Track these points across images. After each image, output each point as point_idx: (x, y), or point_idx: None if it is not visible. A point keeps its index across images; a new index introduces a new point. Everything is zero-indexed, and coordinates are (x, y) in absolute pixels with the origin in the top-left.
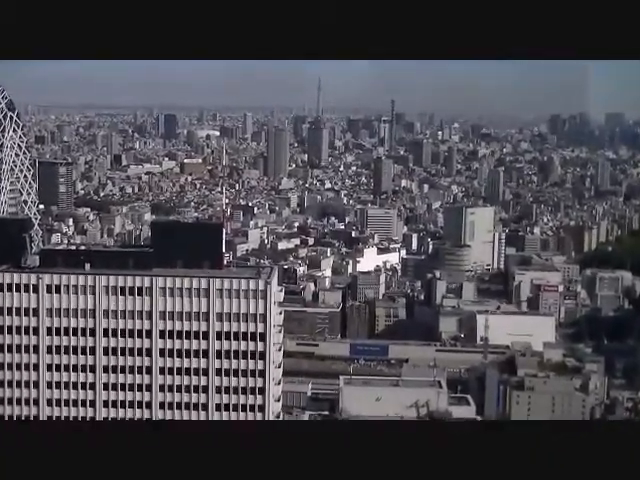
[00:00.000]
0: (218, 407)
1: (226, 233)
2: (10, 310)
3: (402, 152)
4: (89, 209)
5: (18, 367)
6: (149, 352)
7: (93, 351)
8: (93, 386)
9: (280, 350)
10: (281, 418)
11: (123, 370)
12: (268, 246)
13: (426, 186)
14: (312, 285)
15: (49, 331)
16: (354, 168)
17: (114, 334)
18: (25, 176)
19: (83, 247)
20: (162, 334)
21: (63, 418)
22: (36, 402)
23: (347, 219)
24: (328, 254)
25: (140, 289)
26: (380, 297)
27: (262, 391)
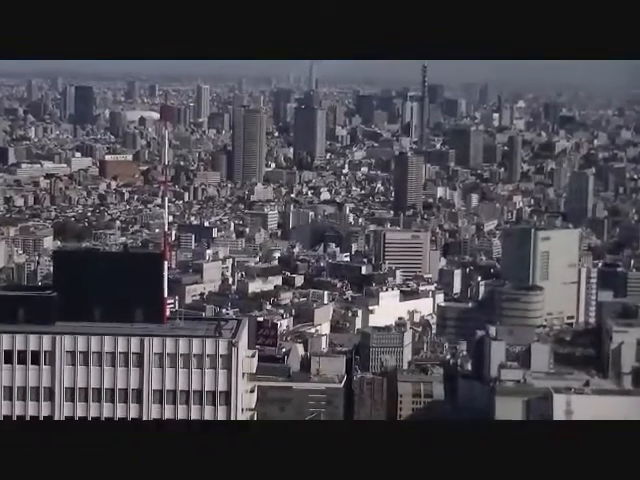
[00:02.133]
0: None
1: (169, 268)
2: None
3: (438, 145)
4: None
5: None
6: None
7: None
8: None
9: None
10: None
11: None
12: (234, 287)
13: (475, 197)
14: (301, 348)
15: None
16: (365, 169)
17: None
18: None
19: None
20: None
21: None
22: None
23: (354, 247)
24: (325, 300)
25: (36, 354)
26: (405, 366)
27: None
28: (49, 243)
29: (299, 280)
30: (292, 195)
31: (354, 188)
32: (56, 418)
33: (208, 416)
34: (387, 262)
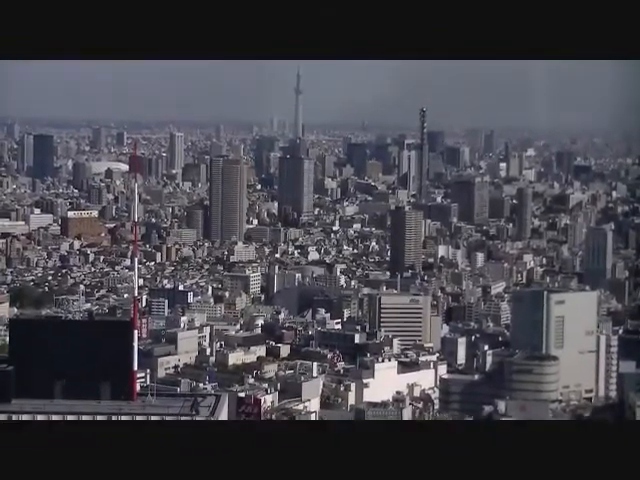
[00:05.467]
0: None
1: (140, 338)
2: None
3: (439, 198)
4: None
5: None
6: None
7: None
8: None
9: None
10: None
11: None
12: (212, 359)
13: (480, 256)
14: None
15: None
16: (358, 226)
17: None
18: None
19: None
20: None
21: None
22: None
23: (346, 313)
24: (314, 373)
25: None
26: None
27: None
28: (5, 310)
29: (285, 350)
30: (277, 255)
31: (345, 247)
32: None
33: None
34: (383, 330)
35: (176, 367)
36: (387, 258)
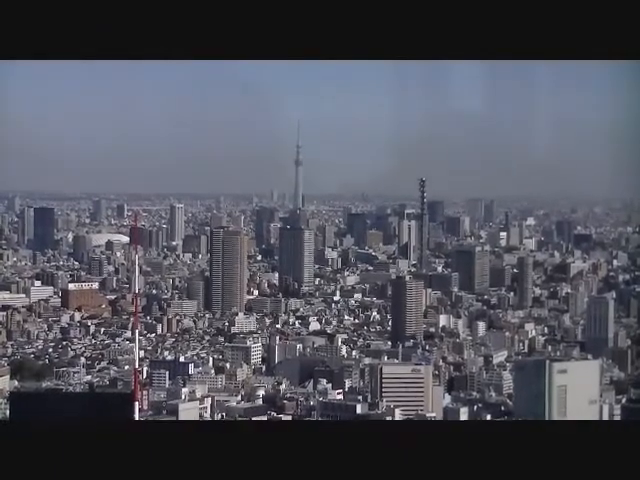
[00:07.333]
0: None
1: (141, 410)
2: None
3: (440, 268)
4: None
5: None
6: None
7: None
8: None
9: None
10: None
11: None
12: None
13: (481, 325)
14: None
15: None
16: (359, 296)
17: None
18: None
19: None
20: None
21: None
22: None
23: (348, 383)
24: None
25: None
26: None
27: None
28: (5, 383)
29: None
30: (277, 326)
31: (346, 317)
32: None
33: None
34: (385, 400)
35: None
36: (388, 328)
